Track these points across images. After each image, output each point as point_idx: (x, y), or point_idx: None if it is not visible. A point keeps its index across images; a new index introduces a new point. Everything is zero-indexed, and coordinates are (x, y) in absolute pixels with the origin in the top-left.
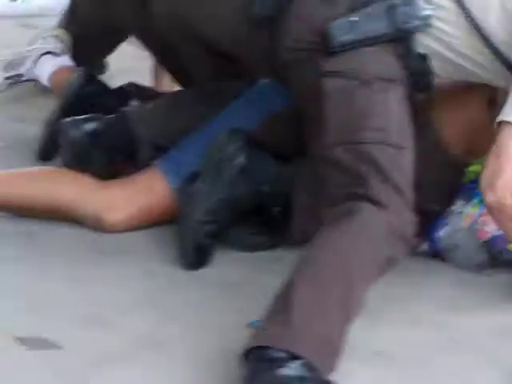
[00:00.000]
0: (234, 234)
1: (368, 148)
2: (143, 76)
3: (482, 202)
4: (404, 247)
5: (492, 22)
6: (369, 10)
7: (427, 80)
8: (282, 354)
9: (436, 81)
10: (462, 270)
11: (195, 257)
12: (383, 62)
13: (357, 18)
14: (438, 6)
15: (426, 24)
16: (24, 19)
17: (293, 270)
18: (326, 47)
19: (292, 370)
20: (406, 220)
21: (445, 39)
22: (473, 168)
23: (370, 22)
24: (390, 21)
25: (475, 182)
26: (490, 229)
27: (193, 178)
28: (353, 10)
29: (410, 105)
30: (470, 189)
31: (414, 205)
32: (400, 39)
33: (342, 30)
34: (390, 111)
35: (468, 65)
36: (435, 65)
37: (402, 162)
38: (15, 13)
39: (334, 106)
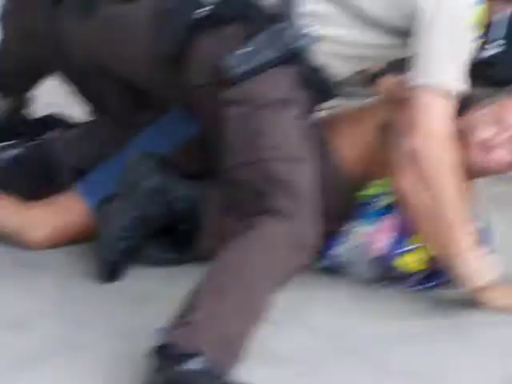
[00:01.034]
0: (147, 250)
1: (268, 165)
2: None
3: (374, 220)
4: (306, 255)
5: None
6: (259, 38)
7: (328, 90)
8: (183, 352)
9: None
10: (357, 284)
11: (110, 271)
12: (277, 84)
13: (249, 49)
14: (323, 16)
15: (314, 38)
16: None
17: (198, 281)
18: (225, 80)
19: (190, 365)
20: (309, 229)
21: (340, 39)
22: (367, 191)
23: (262, 50)
24: (279, 44)
25: (369, 203)
26: (382, 245)
27: (109, 198)
28: (245, 41)
29: (308, 122)
30: (364, 209)
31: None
32: (293, 59)
33: (238, 62)
34: (286, 129)
35: (368, 51)
36: (338, 65)
37: (303, 174)
38: None
39: (234, 131)
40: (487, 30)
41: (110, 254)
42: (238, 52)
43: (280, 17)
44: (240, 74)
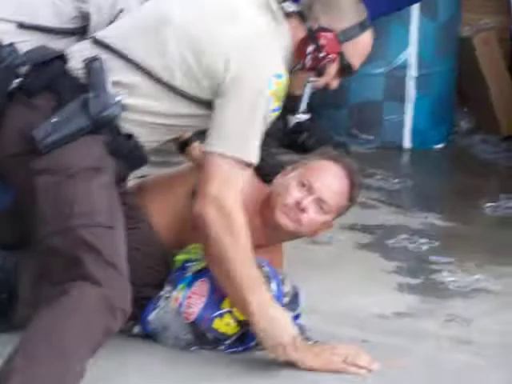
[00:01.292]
0: None
1: (79, 232)
2: None
3: (187, 286)
4: (119, 320)
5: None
6: (69, 107)
7: (139, 157)
8: None
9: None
10: (172, 349)
11: None
12: (87, 152)
13: (59, 118)
14: (131, 86)
15: (120, 107)
16: None
17: (12, 350)
18: (35, 149)
19: None
20: (121, 292)
21: (148, 109)
22: (179, 257)
23: (70, 120)
24: (86, 114)
25: (182, 269)
26: (195, 310)
27: None
28: (55, 111)
29: (120, 189)
30: (176, 275)
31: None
32: (103, 127)
33: (46, 132)
34: (96, 196)
35: (176, 121)
36: (147, 133)
37: (113, 240)
38: None
39: (46, 201)
40: (297, 101)
41: None
42: (48, 122)
43: (90, 86)
44: (50, 143)
